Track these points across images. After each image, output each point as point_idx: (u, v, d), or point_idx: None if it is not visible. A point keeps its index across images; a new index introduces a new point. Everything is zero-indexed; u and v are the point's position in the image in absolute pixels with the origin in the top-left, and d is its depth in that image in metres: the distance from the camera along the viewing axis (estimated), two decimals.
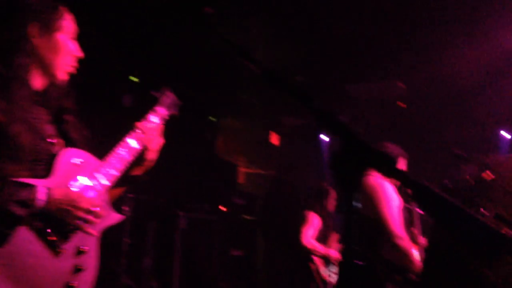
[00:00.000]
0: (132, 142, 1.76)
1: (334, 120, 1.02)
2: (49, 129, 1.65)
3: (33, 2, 1.63)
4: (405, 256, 3.22)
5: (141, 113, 1.86)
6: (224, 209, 6.45)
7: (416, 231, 3.55)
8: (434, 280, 2.29)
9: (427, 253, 2.39)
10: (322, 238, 4.87)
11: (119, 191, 1.83)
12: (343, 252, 1.00)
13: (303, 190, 6.80)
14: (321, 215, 4.92)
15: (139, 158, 1.81)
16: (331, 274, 4.74)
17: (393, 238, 3.21)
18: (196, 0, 1.24)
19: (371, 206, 3.32)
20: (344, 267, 1.02)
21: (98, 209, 1.59)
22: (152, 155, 1.85)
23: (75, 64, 1.73)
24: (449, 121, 5.96)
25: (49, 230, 1.50)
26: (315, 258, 4.73)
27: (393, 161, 0.94)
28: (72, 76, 1.74)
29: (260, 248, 6.95)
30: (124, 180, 1.79)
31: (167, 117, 1.94)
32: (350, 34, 4.79)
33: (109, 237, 1.77)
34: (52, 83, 1.71)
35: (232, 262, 6.57)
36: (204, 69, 5.65)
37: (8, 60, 1.57)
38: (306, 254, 4.76)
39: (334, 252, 4.79)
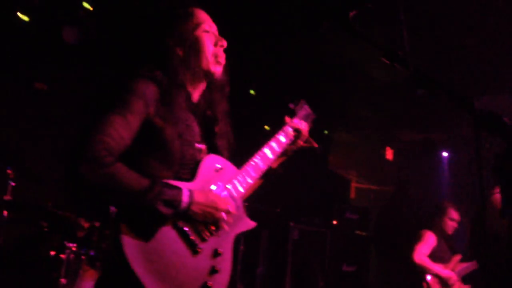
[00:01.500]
0: (268, 152, 1.88)
1: (497, 120, 0.98)
2: (198, 135, 1.75)
3: (168, 15, 1.79)
4: None
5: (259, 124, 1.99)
6: (335, 222, 6.38)
7: None
8: None
9: None
10: (440, 258, 4.63)
11: (256, 184, 1.95)
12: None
13: (421, 207, 6.50)
14: (436, 234, 4.70)
15: (282, 154, 1.96)
16: None
17: None
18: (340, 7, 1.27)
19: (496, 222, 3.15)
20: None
21: (235, 212, 1.69)
22: (290, 153, 2.01)
23: (223, 55, 1.80)
24: None
25: (188, 230, 1.58)
26: (430, 278, 4.49)
27: None
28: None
29: (373, 265, 6.75)
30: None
31: (301, 130, 2.03)
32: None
33: None
34: (208, 81, 1.81)
35: (344, 277, 6.45)
36: (318, 82, 5.69)
37: (167, 68, 1.71)
38: (419, 272, 4.55)
39: (449, 272, 4.52)
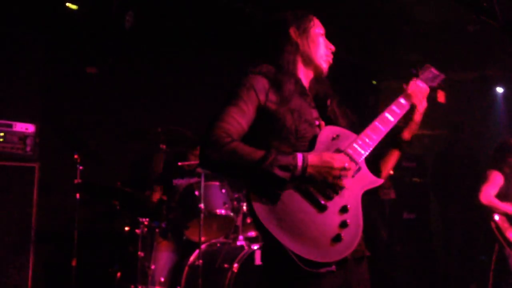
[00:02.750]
0: (388, 116, 1.93)
1: None
2: (314, 113, 1.93)
3: (290, 13, 2.04)
4: None
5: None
6: (391, 172, 6.33)
7: None
8: None
9: None
10: (509, 196, 4.45)
11: (394, 155, 2.04)
12: None
13: (481, 148, 6.33)
14: (503, 173, 4.53)
15: (407, 119, 1.99)
16: None
17: None
18: None
19: None
20: None
21: (352, 167, 1.78)
22: (418, 117, 2.01)
23: (331, 56, 2.04)
24: None
25: (312, 190, 1.73)
26: (498, 217, 4.39)
27: None
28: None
29: (434, 210, 6.69)
30: (394, 142, 2.00)
31: (428, 89, 2.05)
32: None
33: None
34: (316, 74, 2.04)
35: (405, 225, 6.46)
36: (364, 31, 5.53)
37: (279, 60, 1.94)
38: (486, 213, 4.44)
39: None
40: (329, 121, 1.94)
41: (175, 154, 4.25)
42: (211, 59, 5.12)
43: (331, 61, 2.04)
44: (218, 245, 3.98)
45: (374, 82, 6.39)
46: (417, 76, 2.05)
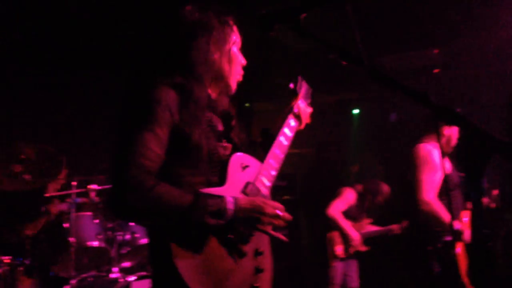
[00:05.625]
0: (283, 140, 1.88)
1: (452, 113, 1.08)
2: (222, 133, 1.74)
3: (209, 20, 1.72)
4: (434, 220, 3.33)
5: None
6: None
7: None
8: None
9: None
10: (353, 217, 4.85)
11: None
12: (473, 235, 1.07)
13: (342, 166, 6.87)
14: (358, 193, 4.93)
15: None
16: (345, 251, 4.75)
17: (419, 202, 3.36)
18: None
19: (412, 171, 3.49)
20: (473, 250, 1.08)
21: (284, 213, 1.65)
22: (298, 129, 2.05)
23: (242, 72, 1.85)
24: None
25: (232, 235, 1.57)
26: (335, 232, 4.74)
27: None
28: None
29: (303, 227, 7.05)
30: None
31: (307, 106, 2.08)
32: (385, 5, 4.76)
33: None
34: (223, 91, 1.82)
35: (276, 241, 6.69)
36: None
37: (190, 72, 1.67)
38: (330, 224, 4.78)
39: (355, 233, 4.76)
40: (233, 144, 1.80)
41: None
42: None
43: (241, 79, 1.86)
44: (90, 279, 3.74)
45: (247, 105, 6.59)
46: (296, 93, 2.05)
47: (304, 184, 7.08)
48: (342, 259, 4.80)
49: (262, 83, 6.45)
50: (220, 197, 1.54)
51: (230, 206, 1.53)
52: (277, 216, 1.62)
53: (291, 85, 2.07)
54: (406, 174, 3.62)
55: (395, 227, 4.96)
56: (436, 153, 3.42)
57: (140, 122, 1.52)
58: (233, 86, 1.83)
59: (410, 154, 3.58)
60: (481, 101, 5.84)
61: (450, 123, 1.10)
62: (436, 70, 6.10)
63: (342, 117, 7.54)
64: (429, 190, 3.36)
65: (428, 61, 5.83)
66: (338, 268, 4.79)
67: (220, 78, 1.77)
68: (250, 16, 1.50)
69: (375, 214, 5.08)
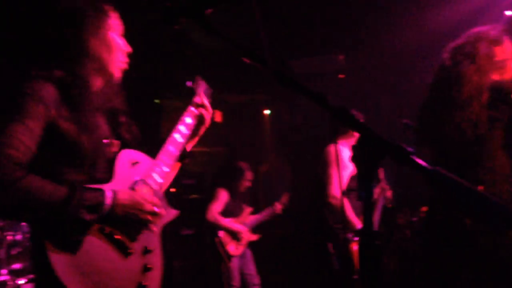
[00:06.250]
0: (178, 137, 1.85)
1: (349, 116, 1.11)
2: (106, 130, 1.66)
3: (82, 6, 1.65)
4: (339, 214, 3.53)
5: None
6: (173, 190, 6.45)
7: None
8: (433, 251, 2.50)
9: (425, 224, 2.63)
10: (232, 212, 4.94)
11: (176, 169, 1.95)
12: (362, 235, 1.10)
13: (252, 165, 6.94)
14: (230, 191, 4.99)
15: (193, 133, 1.97)
16: (238, 247, 4.84)
17: (327, 195, 3.55)
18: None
19: (323, 167, 3.71)
20: (363, 248, 1.11)
21: (161, 209, 1.63)
22: (202, 131, 2.01)
23: (127, 59, 1.76)
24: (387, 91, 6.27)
25: (115, 233, 1.52)
26: (221, 232, 4.80)
27: (406, 150, 1.05)
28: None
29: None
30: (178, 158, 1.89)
31: (206, 105, 2.03)
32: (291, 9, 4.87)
33: None
34: (108, 82, 1.72)
35: (184, 240, 6.64)
36: (145, 52, 5.54)
37: (68, 63, 1.59)
38: (212, 229, 4.84)
39: (239, 226, 4.87)
40: (121, 140, 1.76)
41: None
42: None
43: (126, 67, 1.78)
44: None
45: (157, 101, 6.45)
46: (194, 92, 2.04)
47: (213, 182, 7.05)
48: (238, 256, 4.86)
49: (172, 80, 6.35)
50: (99, 191, 1.49)
51: (108, 201, 1.49)
52: (154, 214, 1.61)
53: (189, 83, 2.07)
54: (317, 171, 3.80)
55: (276, 208, 5.16)
56: (346, 152, 3.61)
57: (10, 113, 1.46)
58: (116, 74, 1.75)
59: (322, 153, 3.78)
60: (382, 105, 6.21)
61: (345, 124, 1.12)
62: (341, 75, 6.38)
63: (254, 117, 7.64)
64: (337, 186, 3.53)
65: (334, 66, 6.07)
66: (234, 267, 4.83)
67: (100, 67, 1.69)
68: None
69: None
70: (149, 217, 1.59)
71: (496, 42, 2.40)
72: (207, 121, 2.03)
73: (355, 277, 3.41)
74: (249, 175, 5.15)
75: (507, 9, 4.64)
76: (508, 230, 2.08)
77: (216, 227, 4.82)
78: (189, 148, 2.01)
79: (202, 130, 2.03)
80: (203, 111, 1.99)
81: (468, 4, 4.51)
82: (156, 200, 1.64)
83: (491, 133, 2.33)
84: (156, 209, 1.61)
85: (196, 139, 2.04)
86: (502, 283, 2.22)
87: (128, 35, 1.80)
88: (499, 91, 2.35)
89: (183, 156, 1.97)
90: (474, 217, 0.87)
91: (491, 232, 2.12)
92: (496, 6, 4.57)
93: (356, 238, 3.46)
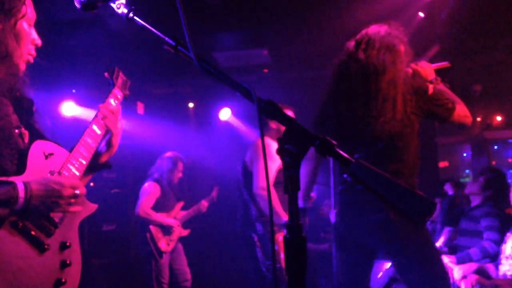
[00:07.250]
0: (96, 128, 1.75)
1: (276, 109, 1.11)
2: (14, 120, 1.55)
3: None
4: (266, 205, 3.64)
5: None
6: (92, 184, 6.19)
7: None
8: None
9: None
10: (164, 207, 4.86)
11: (86, 179, 1.84)
12: (287, 227, 1.12)
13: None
14: (162, 184, 4.91)
15: (107, 143, 1.82)
16: (169, 242, 4.79)
17: (256, 187, 3.68)
18: None
19: (252, 161, 3.84)
20: (287, 239, 1.12)
21: (82, 189, 1.56)
22: (116, 140, 1.84)
23: (34, 53, 1.65)
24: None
25: (30, 228, 1.44)
26: (152, 227, 4.72)
27: (331, 143, 1.07)
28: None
29: (132, 221, 6.85)
30: (92, 168, 1.80)
31: (122, 98, 1.94)
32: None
33: None
34: (10, 72, 1.57)
35: (105, 236, 6.42)
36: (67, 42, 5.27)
37: None
38: (142, 224, 4.76)
39: (171, 220, 4.83)
40: (33, 131, 1.66)
41: None
42: None
43: (31, 60, 1.67)
44: None
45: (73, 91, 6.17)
46: (112, 83, 1.95)
47: (136, 177, 6.87)
48: (169, 252, 4.79)
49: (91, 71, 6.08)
50: (11, 184, 1.40)
51: (21, 194, 1.40)
52: (76, 196, 1.54)
53: (106, 74, 1.98)
54: (247, 164, 3.90)
55: (204, 202, 5.17)
56: (274, 146, 3.68)
57: None
58: (21, 66, 1.64)
59: (252, 146, 3.89)
60: (304, 101, 6.36)
61: (271, 117, 1.12)
62: (265, 70, 6.45)
63: (177, 109, 7.52)
64: (265, 178, 3.59)
65: (259, 60, 6.12)
66: (165, 263, 4.75)
67: (4, 55, 1.56)
68: None
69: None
70: (71, 201, 1.53)
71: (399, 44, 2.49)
72: (117, 133, 1.87)
73: (278, 265, 3.50)
74: (181, 165, 5.05)
75: (420, 11, 4.92)
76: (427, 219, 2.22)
77: (148, 222, 4.70)
78: (104, 159, 1.88)
79: (116, 141, 1.86)
80: (108, 120, 1.81)
81: (384, 4, 4.68)
82: (74, 181, 1.56)
83: (410, 127, 2.44)
84: (77, 191, 1.54)
85: (113, 151, 1.88)
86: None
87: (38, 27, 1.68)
88: (415, 87, 2.48)
89: (99, 167, 1.87)
90: (395, 208, 0.91)
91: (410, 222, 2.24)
92: (410, 7, 4.82)
93: (283, 230, 3.54)
